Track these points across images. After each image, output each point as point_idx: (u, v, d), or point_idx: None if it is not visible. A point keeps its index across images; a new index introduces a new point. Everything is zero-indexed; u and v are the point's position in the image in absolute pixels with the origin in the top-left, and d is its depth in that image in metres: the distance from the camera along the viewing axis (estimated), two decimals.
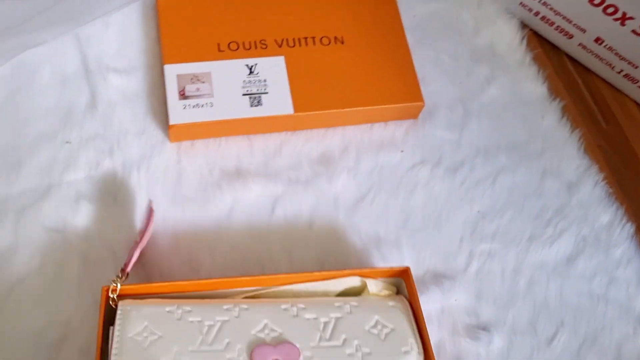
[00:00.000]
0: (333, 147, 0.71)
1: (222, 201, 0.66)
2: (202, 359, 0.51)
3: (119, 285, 0.53)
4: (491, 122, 0.75)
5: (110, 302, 0.54)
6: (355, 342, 0.54)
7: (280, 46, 0.71)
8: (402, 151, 0.71)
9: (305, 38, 0.72)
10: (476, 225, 0.69)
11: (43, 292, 0.59)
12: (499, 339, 0.64)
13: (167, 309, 0.53)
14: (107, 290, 0.53)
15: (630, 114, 0.81)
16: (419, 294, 0.64)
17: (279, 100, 0.68)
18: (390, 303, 0.58)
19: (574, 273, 0.69)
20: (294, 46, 0.72)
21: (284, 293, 0.58)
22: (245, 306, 0.54)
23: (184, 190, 0.66)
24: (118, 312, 0.52)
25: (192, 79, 0.68)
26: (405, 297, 0.59)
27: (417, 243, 0.67)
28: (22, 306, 0.58)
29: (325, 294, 0.59)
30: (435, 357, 0.62)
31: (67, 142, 0.65)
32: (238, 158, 0.68)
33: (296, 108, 0.68)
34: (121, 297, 0.54)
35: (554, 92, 0.79)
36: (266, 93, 0.68)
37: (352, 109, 0.70)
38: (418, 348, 0.55)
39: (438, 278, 0.66)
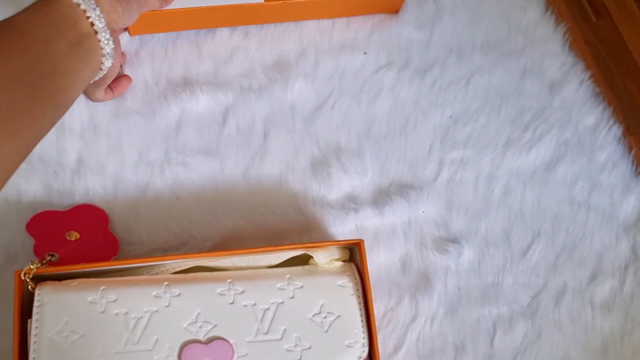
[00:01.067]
0: (289, 51, 0.65)
1: (169, 113, 0.61)
2: None
3: (33, 268, 0.48)
4: (466, 18, 0.69)
5: (29, 287, 0.48)
6: (295, 334, 0.50)
7: None
8: (365, 53, 0.65)
9: None
10: (447, 131, 0.64)
11: None
12: (470, 251, 0.61)
13: (90, 298, 0.48)
14: (20, 275, 0.48)
15: (626, 6, 0.73)
16: (382, 206, 0.60)
17: None
18: (340, 282, 0.52)
19: (554, 180, 0.64)
20: None
21: (223, 264, 0.53)
22: (176, 291, 0.50)
23: (128, 103, 0.61)
24: (35, 302, 0.48)
25: None
26: (357, 266, 0.54)
27: (381, 152, 0.62)
28: None
29: (268, 263, 0.53)
30: (399, 277, 0.60)
31: None
32: (185, 66, 0.63)
33: None
34: (40, 278, 0.49)
35: None
36: None
37: None
38: (363, 339, 0.51)
39: (404, 189, 0.61)
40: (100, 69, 0.50)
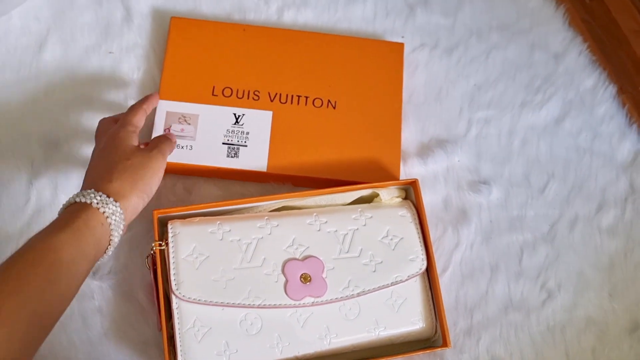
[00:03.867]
0: None
1: None
2: (244, 275, 0.61)
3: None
4: (482, 5, 0.83)
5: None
6: (370, 252, 0.64)
7: (272, 100, 0.71)
8: (402, 37, 0.80)
9: (299, 96, 0.72)
10: (473, 97, 0.78)
11: None
12: (498, 191, 0.75)
13: (210, 229, 0.62)
14: (157, 214, 0.62)
15: None
16: (426, 157, 0.74)
17: (256, 155, 0.69)
18: (400, 212, 0.66)
19: (562, 131, 0.78)
20: (285, 102, 0.71)
21: (307, 204, 0.67)
22: (275, 223, 0.64)
23: None
24: (169, 233, 0.61)
25: (179, 118, 0.70)
26: (413, 203, 0.68)
27: (421, 115, 0.77)
28: None
29: (343, 202, 0.67)
30: (442, 213, 0.73)
31: (110, 52, 0.75)
32: None
33: (270, 167, 0.69)
34: (168, 216, 0.63)
35: None
36: (245, 146, 0.69)
37: (325, 177, 0.70)
38: (422, 255, 0.65)
39: (442, 143, 0.75)
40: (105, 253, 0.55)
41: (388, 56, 0.75)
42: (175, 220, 0.63)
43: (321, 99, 0.73)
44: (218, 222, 0.63)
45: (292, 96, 0.72)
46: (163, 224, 0.64)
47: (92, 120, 0.72)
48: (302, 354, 0.61)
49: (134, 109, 0.64)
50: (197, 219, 0.64)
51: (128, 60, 0.75)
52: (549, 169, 0.76)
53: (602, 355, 0.69)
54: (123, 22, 0.76)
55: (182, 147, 0.69)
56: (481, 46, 0.81)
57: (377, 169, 0.71)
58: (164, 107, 0.70)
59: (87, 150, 0.70)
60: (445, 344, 0.63)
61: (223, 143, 0.69)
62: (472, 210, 0.73)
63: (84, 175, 0.59)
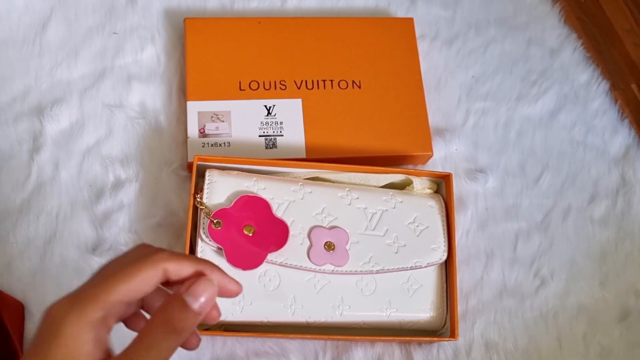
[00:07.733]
0: None
1: None
2: None
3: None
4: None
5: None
6: (395, 234, 0.65)
7: (299, 87, 0.73)
8: None
9: (324, 81, 0.74)
10: (471, 88, 0.80)
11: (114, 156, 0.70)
12: (494, 179, 0.76)
13: (246, 184, 0.63)
14: (197, 160, 0.62)
15: None
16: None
17: (293, 143, 0.71)
18: (429, 203, 0.67)
19: (557, 124, 0.80)
20: (312, 88, 0.73)
21: (341, 179, 0.68)
22: (309, 190, 0.64)
23: None
24: (206, 180, 0.62)
25: (212, 117, 0.70)
26: (443, 197, 0.69)
27: None
28: (95, 167, 0.69)
29: (376, 183, 0.68)
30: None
31: (114, 33, 0.75)
32: None
33: (308, 153, 0.71)
34: (207, 165, 0.64)
35: None
36: (281, 135, 0.71)
37: (363, 156, 0.72)
38: (444, 246, 0.66)
39: (440, 132, 0.77)
40: None
41: (400, 31, 0.78)
42: (214, 169, 0.64)
43: (346, 81, 0.74)
44: (254, 178, 0.64)
45: (318, 81, 0.74)
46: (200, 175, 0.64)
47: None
48: (312, 320, 0.61)
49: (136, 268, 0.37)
50: (235, 172, 0.64)
51: (132, 41, 0.75)
52: (543, 160, 0.78)
53: (593, 341, 0.70)
54: (127, 3, 0.77)
55: (220, 145, 0.70)
56: (479, 39, 0.82)
57: (410, 140, 0.73)
58: (195, 108, 0.70)
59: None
60: (453, 335, 0.64)
61: (259, 136, 0.71)
62: (468, 198, 0.75)
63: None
